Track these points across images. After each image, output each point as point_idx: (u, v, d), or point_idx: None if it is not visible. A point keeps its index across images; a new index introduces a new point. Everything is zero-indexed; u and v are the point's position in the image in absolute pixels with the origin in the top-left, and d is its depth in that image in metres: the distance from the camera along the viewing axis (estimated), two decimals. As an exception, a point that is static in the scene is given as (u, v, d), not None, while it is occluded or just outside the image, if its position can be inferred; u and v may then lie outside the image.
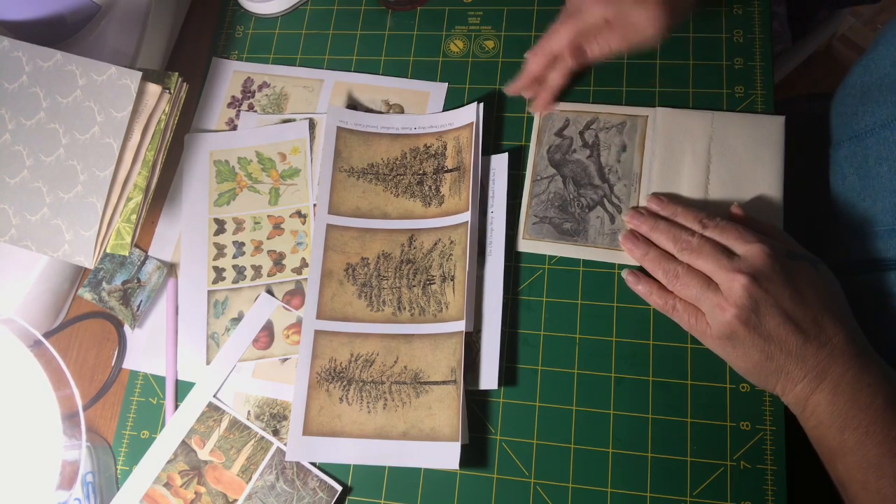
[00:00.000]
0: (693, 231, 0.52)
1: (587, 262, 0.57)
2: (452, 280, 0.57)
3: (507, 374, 0.56)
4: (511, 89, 0.61)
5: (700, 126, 0.58)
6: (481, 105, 0.61)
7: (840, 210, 0.59)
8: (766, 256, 0.48)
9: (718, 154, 0.57)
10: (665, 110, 0.59)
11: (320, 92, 0.67)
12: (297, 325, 0.59)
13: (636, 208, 0.57)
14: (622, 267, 0.56)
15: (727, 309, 0.47)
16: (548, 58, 0.58)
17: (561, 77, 0.59)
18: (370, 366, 0.56)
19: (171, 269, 0.63)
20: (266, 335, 0.60)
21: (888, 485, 0.44)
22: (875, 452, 0.45)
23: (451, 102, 0.64)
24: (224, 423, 0.58)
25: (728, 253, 0.50)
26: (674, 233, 0.53)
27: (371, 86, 0.66)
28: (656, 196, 0.56)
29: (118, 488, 0.57)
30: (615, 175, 0.58)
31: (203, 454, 0.57)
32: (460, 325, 0.55)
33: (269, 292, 0.61)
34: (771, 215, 0.54)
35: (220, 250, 0.63)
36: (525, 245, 0.58)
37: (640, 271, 0.54)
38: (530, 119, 0.62)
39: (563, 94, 0.62)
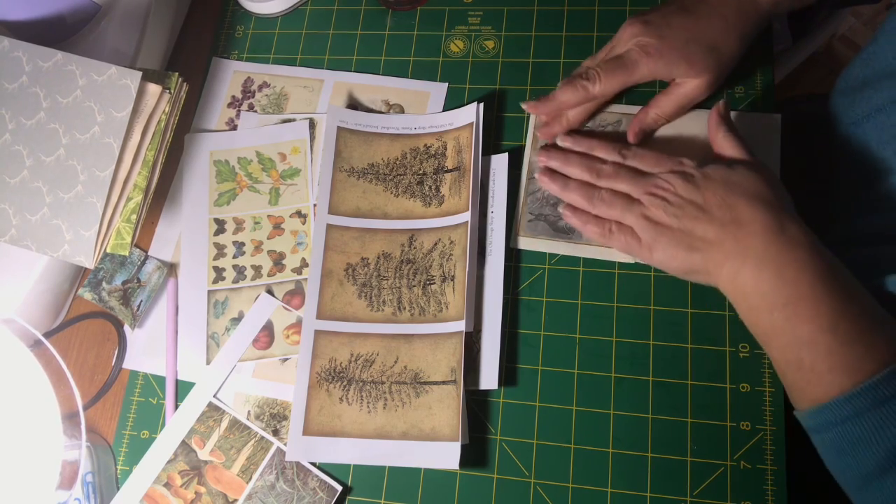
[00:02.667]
0: (606, 160, 0.55)
1: (587, 262, 0.57)
2: (452, 280, 0.57)
3: (507, 374, 0.56)
4: (531, 108, 0.59)
5: (696, 124, 0.58)
6: (481, 105, 0.61)
7: (844, 194, 0.59)
8: (681, 166, 0.52)
9: (726, 161, 0.57)
10: None
11: (320, 92, 0.67)
12: (297, 325, 0.59)
13: (545, 148, 0.59)
14: (621, 266, 0.56)
15: (648, 217, 0.51)
16: (584, 99, 0.57)
17: (583, 118, 0.60)
18: (370, 366, 0.56)
19: (171, 269, 0.63)
20: (266, 335, 0.60)
21: (821, 361, 0.44)
22: (806, 329, 0.45)
23: (451, 102, 0.64)
24: (224, 423, 0.58)
25: (644, 174, 0.53)
26: (588, 163, 0.55)
27: (371, 86, 0.66)
28: (569, 133, 0.58)
29: (118, 488, 0.57)
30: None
31: (203, 454, 0.57)
32: (460, 325, 0.55)
33: (269, 292, 0.61)
34: None
35: (220, 250, 0.63)
36: (521, 242, 0.58)
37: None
38: (530, 119, 0.62)
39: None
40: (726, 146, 0.53)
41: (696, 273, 0.50)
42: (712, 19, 0.54)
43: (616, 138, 0.57)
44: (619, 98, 0.61)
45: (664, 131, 0.59)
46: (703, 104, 0.59)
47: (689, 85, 0.55)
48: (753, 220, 0.48)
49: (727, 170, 0.50)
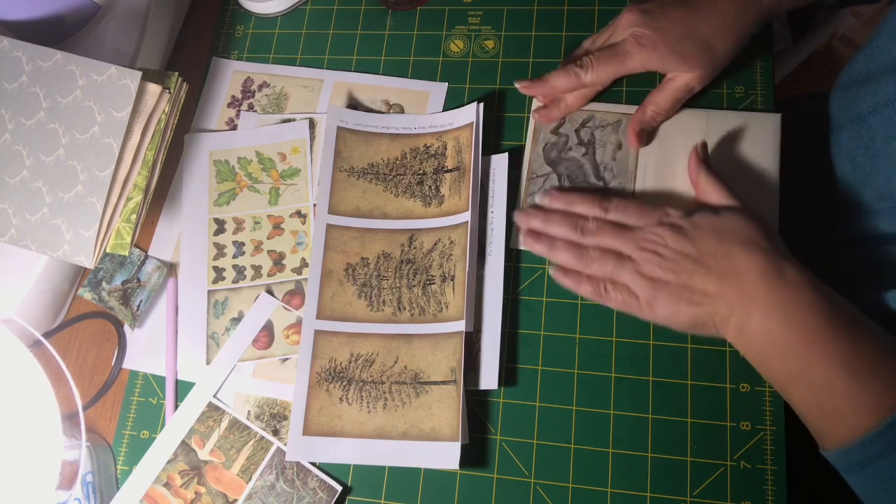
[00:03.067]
0: (588, 217, 0.54)
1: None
2: (452, 280, 0.57)
3: (507, 374, 0.56)
4: (525, 88, 0.59)
5: (695, 124, 0.58)
6: (481, 105, 0.61)
7: (847, 191, 0.59)
8: (667, 217, 0.51)
9: (714, 152, 0.57)
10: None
11: (320, 92, 0.67)
12: (297, 325, 0.59)
13: (523, 209, 0.58)
14: None
15: (643, 276, 0.50)
16: (577, 86, 0.58)
17: (580, 103, 0.60)
18: (370, 366, 0.56)
19: (171, 269, 0.63)
20: (266, 335, 0.60)
21: (842, 403, 0.44)
22: (822, 373, 0.44)
23: (451, 102, 0.64)
24: (224, 423, 0.58)
25: (629, 227, 0.52)
26: (570, 220, 0.54)
27: (371, 86, 0.66)
28: (548, 191, 0.57)
29: (118, 488, 0.57)
30: (610, 173, 0.58)
31: (203, 454, 0.57)
32: (460, 325, 0.55)
33: (269, 292, 0.61)
34: (767, 212, 0.54)
35: (220, 250, 0.63)
36: (521, 243, 0.58)
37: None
38: (530, 119, 0.62)
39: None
40: (709, 191, 0.52)
41: (703, 327, 0.49)
42: (710, 14, 0.54)
43: (595, 190, 0.57)
44: (619, 99, 0.61)
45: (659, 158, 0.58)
46: (695, 103, 0.59)
47: (682, 79, 0.55)
48: (752, 268, 0.47)
49: (715, 217, 0.50)
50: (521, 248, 0.58)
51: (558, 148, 0.60)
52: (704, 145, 0.54)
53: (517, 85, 0.59)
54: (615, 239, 0.52)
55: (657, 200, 0.56)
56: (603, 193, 0.56)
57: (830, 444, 0.45)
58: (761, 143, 0.56)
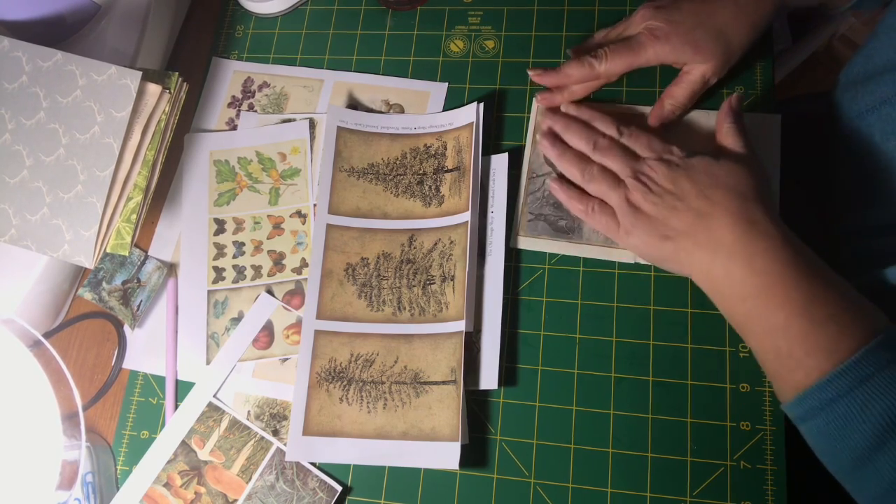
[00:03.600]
0: (604, 134, 0.56)
1: (587, 262, 0.57)
2: (452, 280, 0.57)
3: (507, 374, 0.56)
4: (537, 77, 0.60)
5: (695, 124, 0.58)
6: (481, 105, 0.61)
7: (849, 187, 0.59)
8: (669, 154, 0.52)
9: (714, 152, 0.57)
10: None
11: (320, 92, 0.67)
12: (297, 325, 0.59)
13: (553, 109, 0.60)
14: (621, 266, 0.56)
15: (630, 201, 0.52)
16: (590, 76, 0.58)
17: (585, 92, 0.60)
18: (370, 366, 0.56)
19: (171, 269, 0.63)
20: (266, 335, 0.60)
21: (798, 345, 0.44)
22: (780, 315, 0.45)
23: (451, 102, 0.64)
24: (224, 423, 0.58)
25: (636, 156, 0.54)
26: (587, 133, 0.56)
27: (371, 86, 0.66)
28: (574, 102, 0.59)
29: (118, 488, 0.57)
30: None
31: (203, 454, 0.57)
32: (460, 325, 0.55)
33: (269, 292, 0.61)
34: None
35: (220, 250, 0.63)
36: (521, 242, 0.58)
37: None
38: (530, 119, 0.62)
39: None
40: (728, 137, 0.53)
41: (669, 262, 0.51)
42: (724, 4, 0.54)
43: (619, 115, 0.58)
44: (620, 98, 0.61)
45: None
46: (710, 104, 0.59)
47: (697, 71, 0.56)
48: (726, 213, 0.48)
49: (712, 162, 0.51)
50: (522, 247, 0.58)
51: None
52: (741, 97, 0.55)
53: (530, 73, 0.60)
54: (617, 162, 0.54)
55: (680, 138, 0.56)
56: (623, 119, 0.57)
57: (788, 394, 0.46)
58: (761, 143, 0.56)
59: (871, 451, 0.42)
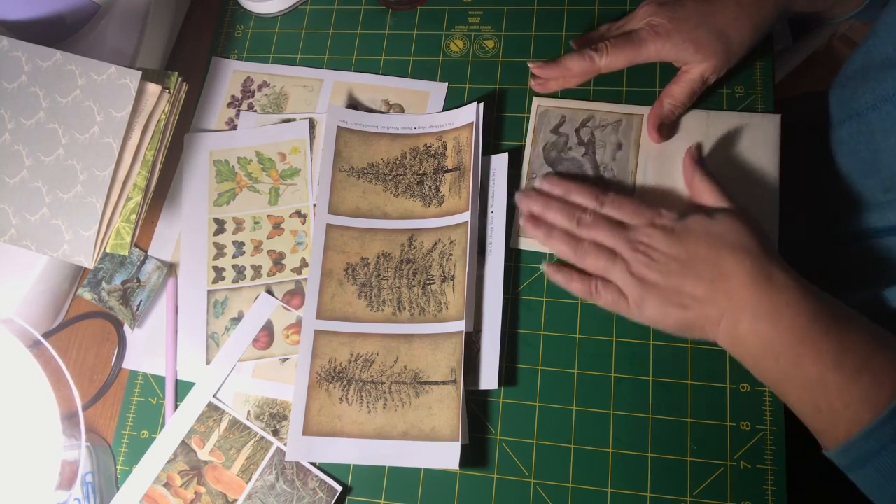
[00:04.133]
0: (586, 207, 0.54)
1: (587, 262, 0.57)
2: (452, 280, 0.57)
3: (507, 374, 0.56)
4: (538, 70, 0.60)
5: (695, 125, 0.58)
6: (481, 105, 0.61)
7: (851, 185, 0.59)
8: (660, 219, 0.51)
9: (713, 152, 0.57)
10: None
11: (320, 92, 0.67)
12: (297, 325, 0.59)
13: (524, 190, 0.58)
14: None
15: (634, 277, 0.50)
16: (590, 70, 0.58)
17: (580, 81, 0.61)
18: (370, 366, 0.56)
19: (170, 268, 0.63)
20: (266, 335, 0.60)
21: (836, 399, 0.44)
22: (813, 371, 0.45)
23: (451, 102, 0.64)
24: (224, 423, 0.58)
25: (623, 225, 0.52)
26: (567, 210, 0.54)
27: (371, 85, 0.66)
28: (547, 176, 0.57)
29: (118, 488, 0.57)
30: (610, 173, 0.58)
31: (203, 454, 0.57)
32: (460, 325, 0.55)
33: (269, 292, 0.61)
34: (766, 212, 0.54)
35: (219, 250, 0.63)
36: (521, 243, 0.58)
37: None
38: (530, 119, 0.62)
39: (564, 93, 0.62)
40: (704, 192, 0.53)
41: (691, 330, 0.50)
42: (727, 5, 0.54)
43: (594, 182, 0.57)
44: (620, 98, 0.61)
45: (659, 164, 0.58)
46: (696, 103, 0.59)
47: (697, 70, 0.55)
48: (740, 273, 0.47)
49: (707, 220, 0.50)
50: (522, 248, 0.58)
51: (558, 148, 0.60)
52: (699, 147, 0.54)
53: (530, 65, 0.60)
54: (609, 235, 0.52)
55: (657, 199, 0.56)
56: (602, 186, 0.56)
57: (831, 444, 0.45)
58: (761, 143, 0.56)
59: None
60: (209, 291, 0.62)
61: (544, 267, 0.55)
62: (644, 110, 0.59)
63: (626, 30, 0.58)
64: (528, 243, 0.58)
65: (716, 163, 0.56)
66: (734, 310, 0.47)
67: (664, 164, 0.57)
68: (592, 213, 0.53)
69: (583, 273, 0.53)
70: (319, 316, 0.58)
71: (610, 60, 0.57)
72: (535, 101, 0.62)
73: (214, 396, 0.58)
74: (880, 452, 0.42)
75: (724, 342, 0.49)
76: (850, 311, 0.46)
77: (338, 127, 0.63)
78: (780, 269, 0.47)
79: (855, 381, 0.43)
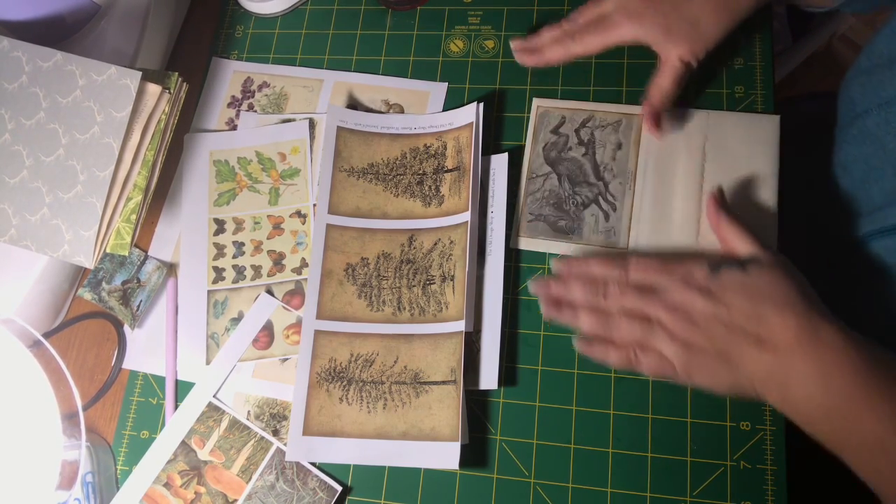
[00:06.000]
0: (609, 278, 0.51)
1: (587, 262, 0.57)
2: (452, 280, 0.57)
3: (507, 374, 0.56)
4: (517, 49, 0.61)
5: (695, 125, 0.58)
6: (481, 105, 0.61)
7: (876, 178, 0.57)
8: (692, 277, 0.48)
9: (713, 153, 0.57)
10: None
11: (320, 92, 0.67)
12: (297, 325, 0.59)
13: (538, 279, 0.55)
14: None
15: (676, 342, 0.47)
16: (569, 57, 0.59)
17: (559, 62, 0.61)
18: (370, 366, 0.56)
19: (170, 269, 0.63)
20: (266, 335, 0.60)
21: None
22: (871, 434, 0.43)
23: (451, 102, 0.64)
24: (224, 423, 0.58)
25: (653, 289, 0.49)
26: (590, 284, 0.51)
27: (371, 86, 0.66)
28: (562, 260, 0.54)
29: (118, 488, 0.57)
30: (610, 173, 0.58)
31: (203, 454, 0.57)
32: (460, 325, 0.55)
33: (269, 292, 0.61)
34: (766, 213, 0.54)
35: (219, 250, 0.63)
36: (521, 243, 0.58)
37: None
38: (530, 119, 0.62)
39: (563, 94, 0.62)
40: (733, 239, 0.51)
41: (744, 391, 0.47)
42: None
43: (610, 254, 0.55)
44: (619, 98, 0.61)
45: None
46: (695, 103, 0.59)
47: (673, 54, 0.55)
48: (786, 332, 0.45)
49: (743, 275, 0.48)
50: (522, 248, 0.58)
51: (558, 148, 0.60)
52: (721, 192, 0.53)
53: (511, 43, 0.61)
54: (641, 302, 0.49)
55: (656, 208, 0.56)
56: (619, 254, 0.54)
57: None
58: (760, 143, 0.56)
59: None
60: (209, 291, 0.62)
61: (576, 344, 0.52)
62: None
63: (599, 13, 0.58)
64: (528, 244, 0.58)
65: (715, 162, 0.56)
66: (783, 372, 0.45)
67: (664, 164, 0.57)
68: (617, 282, 0.50)
69: (617, 345, 0.50)
70: (319, 316, 0.58)
71: (585, 47, 0.57)
72: (535, 101, 0.62)
73: (214, 396, 0.58)
74: None
75: (774, 402, 0.47)
76: None
77: (338, 127, 0.63)
78: (827, 323, 0.45)
79: None
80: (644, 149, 0.58)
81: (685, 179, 0.56)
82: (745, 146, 0.56)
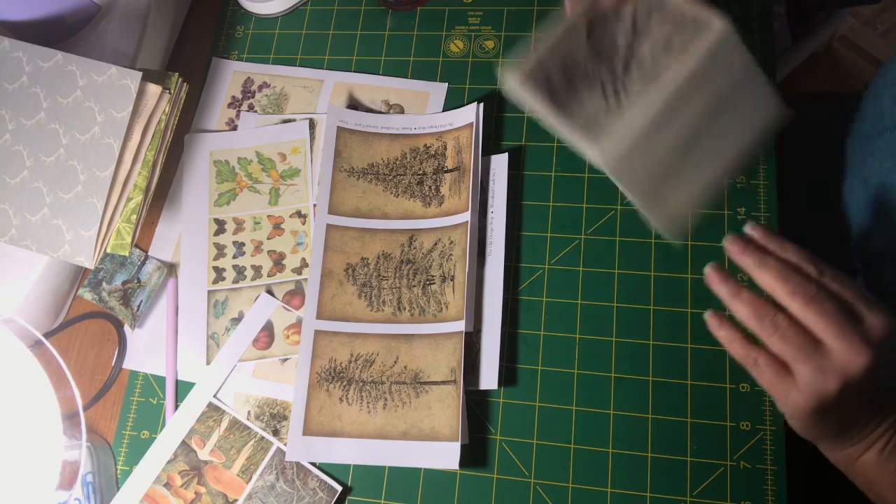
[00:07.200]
0: (807, 274, 0.42)
1: (587, 262, 0.57)
2: (452, 280, 0.57)
3: (507, 374, 0.56)
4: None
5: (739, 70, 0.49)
6: (481, 105, 0.61)
7: (861, 213, 0.55)
8: (889, 329, 0.40)
9: (720, 109, 0.49)
10: (736, 38, 0.47)
11: (320, 92, 0.67)
12: (297, 325, 0.60)
13: (737, 236, 0.45)
14: (620, 266, 0.56)
15: (836, 380, 0.39)
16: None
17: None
18: (370, 366, 0.56)
19: (171, 269, 0.63)
20: (266, 335, 0.60)
21: None
22: None
23: (451, 102, 0.64)
24: (224, 423, 0.58)
25: (852, 315, 0.40)
26: (786, 273, 0.42)
27: (371, 86, 0.66)
28: (757, 225, 0.45)
29: (118, 488, 0.57)
30: (640, 69, 0.49)
31: (203, 454, 0.57)
32: (460, 325, 0.55)
33: (269, 292, 0.61)
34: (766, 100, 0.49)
35: (220, 250, 0.63)
36: (515, 88, 0.48)
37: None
38: (530, 119, 0.62)
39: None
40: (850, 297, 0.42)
41: (814, 437, 0.44)
42: None
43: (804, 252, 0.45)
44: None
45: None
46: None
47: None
48: None
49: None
50: (511, 91, 0.49)
51: (608, 17, 0.49)
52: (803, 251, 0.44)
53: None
54: (830, 320, 0.40)
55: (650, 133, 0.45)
56: (811, 255, 0.44)
57: None
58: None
59: None
60: (209, 292, 0.62)
61: (707, 315, 0.45)
62: (722, 26, 0.48)
63: None
64: (519, 92, 0.48)
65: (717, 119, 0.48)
66: (875, 440, 0.43)
67: (690, 95, 0.46)
68: (816, 284, 0.41)
69: (748, 337, 0.44)
70: (319, 316, 0.58)
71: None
72: None
73: (215, 396, 0.58)
74: None
75: (837, 459, 0.45)
76: None
77: (338, 127, 0.63)
78: None
79: None
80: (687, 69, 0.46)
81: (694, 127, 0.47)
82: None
